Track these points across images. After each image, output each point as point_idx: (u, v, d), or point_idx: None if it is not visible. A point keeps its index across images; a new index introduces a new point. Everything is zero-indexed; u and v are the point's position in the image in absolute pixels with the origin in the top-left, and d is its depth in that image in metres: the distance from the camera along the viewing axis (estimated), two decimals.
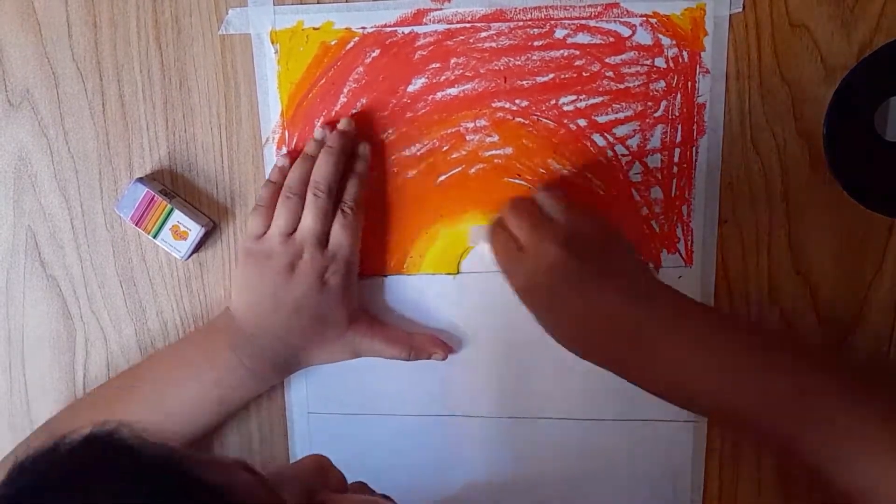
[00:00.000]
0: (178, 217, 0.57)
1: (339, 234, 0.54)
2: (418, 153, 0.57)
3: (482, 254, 0.57)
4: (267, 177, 0.57)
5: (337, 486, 0.41)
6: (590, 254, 0.48)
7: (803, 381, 0.44)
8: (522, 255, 0.49)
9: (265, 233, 0.55)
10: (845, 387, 0.44)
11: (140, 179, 0.57)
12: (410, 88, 0.56)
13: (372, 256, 0.58)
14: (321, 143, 0.55)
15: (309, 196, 0.54)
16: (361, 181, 0.55)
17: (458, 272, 0.58)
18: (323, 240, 0.54)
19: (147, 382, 0.57)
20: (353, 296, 0.56)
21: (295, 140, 0.57)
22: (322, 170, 0.54)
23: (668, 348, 0.46)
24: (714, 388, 0.46)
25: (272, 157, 0.57)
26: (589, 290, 0.47)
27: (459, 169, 0.57)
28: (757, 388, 0.45)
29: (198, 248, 0.58)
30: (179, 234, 0.57)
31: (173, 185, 0.59)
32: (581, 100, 0.55)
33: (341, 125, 0.55)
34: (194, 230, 0.57)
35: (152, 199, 0.56)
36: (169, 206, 0.56)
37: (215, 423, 0.58)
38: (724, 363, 0.46)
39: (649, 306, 0.47)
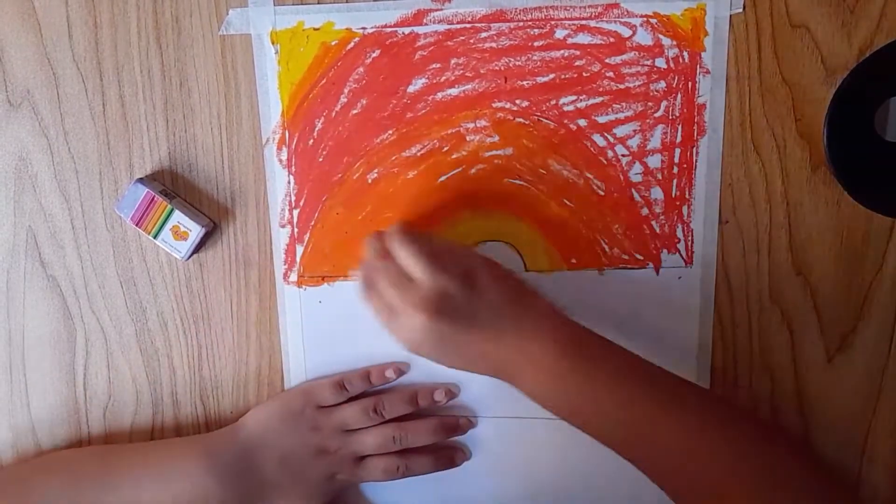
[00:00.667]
0: (179, 217, 0.57)
1: (377, 468, 0.58)
2: (419, 153, 0.57)
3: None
4: (369, 372, 0.59)
5: None
6: (456, 303, 0.49)
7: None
8: (397, 321, 0.50)
9: (327, 407, 0.58)
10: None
11: (140, 180, 0.57)
12: (411, 89, 0.56)
13: None
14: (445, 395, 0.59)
15: (388, 432, 0.58)
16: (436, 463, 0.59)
17: None
18: (362, 456, 0.58)
19: (122, 479, 0.57)
20: (338, 492, 0.60)
21: (295, 140, 0.57)
22: (419, 433, 0.58)
23: (527, 381, 0.50)
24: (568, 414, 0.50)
25: (272, 158, 0.57)
26: (464, 343, 0.50)
27: (460, 169, 0.57)
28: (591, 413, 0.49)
29: (198, 248, 0.58)
30: (180, 235, 0.57)
31: (173, 186, 0.59)
32: (581, 100, 0.55)
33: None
34: (194, 230, 0.57)
35: (152, 199, 0.56)
36: (169, 206, 0.56)
37: None
38: (570, 395, 0.49)
39: (512, 344, 0.49)
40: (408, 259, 0.50)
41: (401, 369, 0.59)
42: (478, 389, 0.60)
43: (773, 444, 0.47)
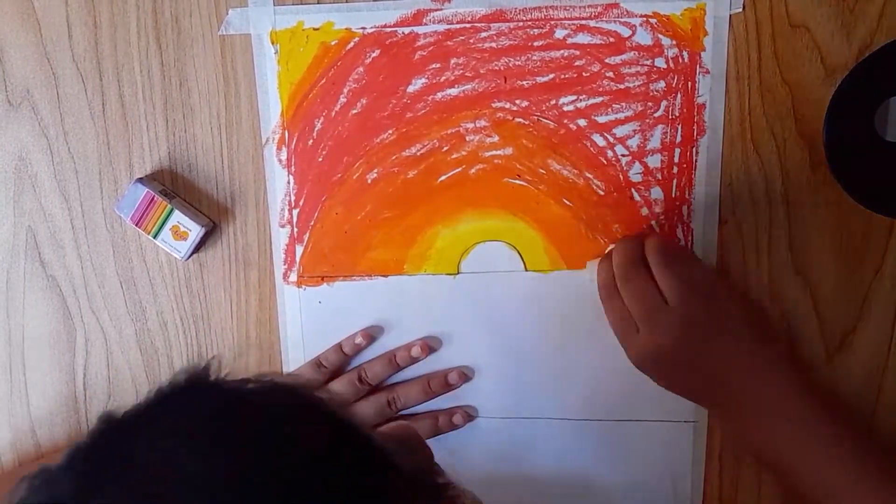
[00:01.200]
0: (178, 217, 0.57)
1: (366, 409, 0.58)
2: (418, 153, 0.57)
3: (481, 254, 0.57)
4: (341, 344, 0.59)
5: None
6: (700, 325, 0.49)
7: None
8: (635, 337, 0.51)
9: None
10: None
11: (140, 180, 0.57)
12: (410, 89, 0.56)
13: (372, 257, 0.58)
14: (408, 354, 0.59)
15: (381, 398, 0.58)
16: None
17: (458, 272, 0.58)
18: None
19: None
20: None
21: (295, 140, 0.57)
22: (410, 392, 0.58)
23: (754, 426, 0.49)
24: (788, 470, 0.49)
25: (272, 157, 0.57)
26: (701, 359, 0.50)
27: (459, 169, 0.57)
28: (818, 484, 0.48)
29: (198, 248, 0.58)
30: (179, 235, 0.57)
31: (173, 186, 0.59)
32: (581, 100, 0.55)
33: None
34: (194, 230, 0.57)
35: (152, 199, 0.56)
36: (169, 206, 0.56)
37: None
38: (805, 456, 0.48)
39: (745, 371, 0.49)
40: (667, 280, 0.50)
41: (370, 335, 0.59)
42: (464, 387, 0.60)
43: None
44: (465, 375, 0.59)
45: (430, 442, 0.59)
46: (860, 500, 0.47)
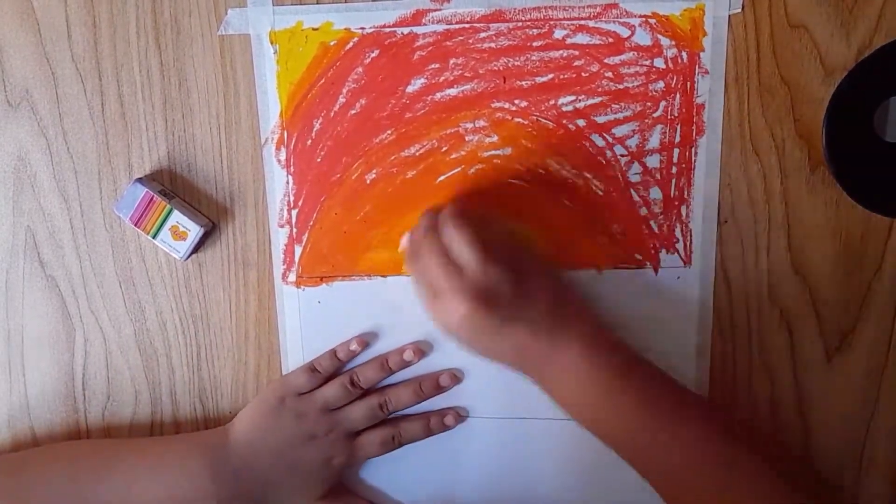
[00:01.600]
0: (178, 217, 0.57)
1: (373, 443, 0.59)
2: (417, 153, 0.57)
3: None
4: (335, 350, 0.59)
5: None
6: (500, 299, 0.49)
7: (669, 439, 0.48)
8: (438, 304, 0.50)
9: (306, 393, 0.58)
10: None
11: (139, 180, 0.57)
12: (409, 89, 0.56)
13: (371, 257, 0.58)
14: (400, 358, 0.59)
15: (372, 401, 0.58)
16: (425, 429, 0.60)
17: None
18: (354, 434, 0.59)
19: (119, 473, 0.57)
20: (337, 477, 0.59)
21: (294, 140, 0.57)
22: (401, 395, 0.59)
23: (553, 383, 0.51)
24: (591, 421, 0.51)
25: (271, 158, 0.57)
26: (498, 336, 0.49)
27: (459, 169, 0.57)
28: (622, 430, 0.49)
29: (197, 248, 0.58)
30: (179, 235, 0.57)
31: (172, 186, 0.59)
32: (580, 100, 0.55)
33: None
34: (193, 230, 0.57)
35: (151, 199, 0.56)
36: (168, 206, 0.56)
37: None
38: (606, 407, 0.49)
39: (545, 344, 0.50)
40: (460, 246, 0.49)
41: (365, 341, 0.59)
42: (464, 388, 0.60)
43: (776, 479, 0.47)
44: (456, 377, 0.60)
45: (427, 442, 0.60)
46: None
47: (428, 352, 0.60)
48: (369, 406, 0.58)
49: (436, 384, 0.59)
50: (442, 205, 0.54)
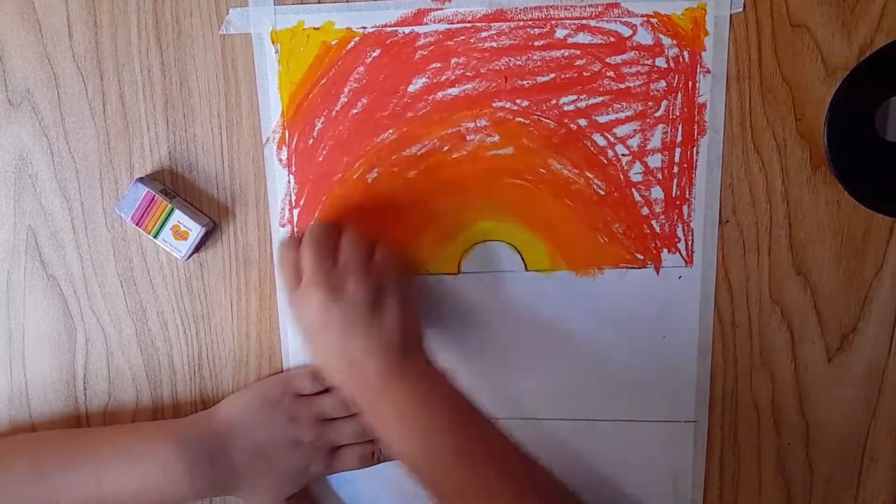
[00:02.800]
0: (179, 217, 0.57)
1: (353, 457, 0.58)
2: (419, 153, 0.57)
3: (481, 254, 0.57)
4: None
5: None
6: (356, 309, 0.50)
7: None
8: (297, 291, 0.52)
9: (307, 396, 0.58)
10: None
11: (140, 179, 0.57)
12: (411, 88, 0.56)
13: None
14: None
15: (365, 423, 0.57)
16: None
17: (458, 272, 0.58)
18: (336, 446, 0.58)
19: (88, 464, 0.56)
20: (308, 482, 0.59)
21: (295, 140, 0.57)
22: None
23: (379, 417, 0.51)
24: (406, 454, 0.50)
25: (272, 157, 0.57)
26: (341, 341, 0.51)
27: (460, 169, 0.57)
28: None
29: (198, 248, 0.58)
30: (180, 234, 0.57)
31: (174, 185, 0.59)
32: (582, 99, 0.55)
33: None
34: (195, 230, 0.57)
35: (153, 199, 0.56)
36: (169, 206, 0.56)
37: None
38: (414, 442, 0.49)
39: (387, 378, 0.50)
40: (351, 248, 0.52)
41: None
42: (464, 387, 0.60)
43: None
44: None
45: None
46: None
47: None
48: (361, 425, 0.58)
49: None
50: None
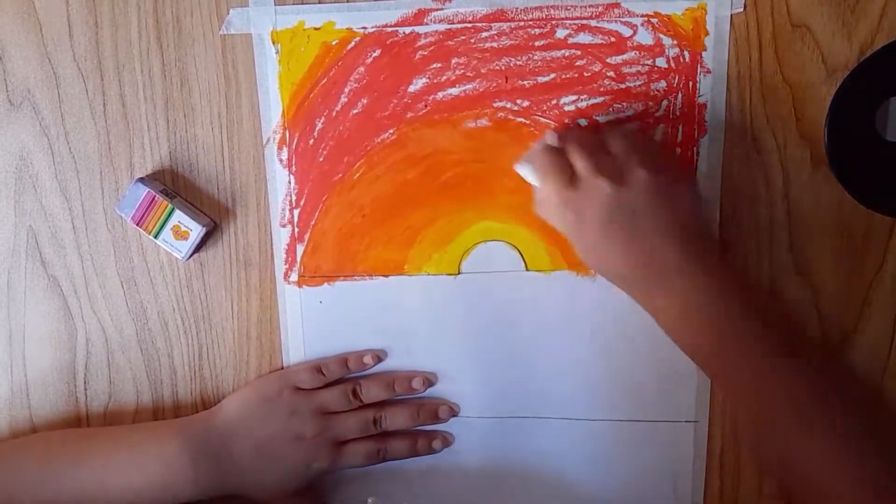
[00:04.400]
0: (179, 217, 0.57)
1: (358, 454, 0.58)
2: (419, 153, 0.57)
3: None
4: (347, 358, 0.59)
5: None
6: (647, 195, 0.48)
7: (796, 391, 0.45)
8: (575, 188, 0.49)
9: (307, 390, 0.58)
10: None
11: (141, 179, 0.57)
12: (411, 88, 0.56)
13: (372, 257, 0.58)
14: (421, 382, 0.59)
15: (368, 414, 0.58)
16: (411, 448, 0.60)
17: (458, 272, 0.58)
18: (340, 442, 0.58)
19: (95, 461, 0.56)
20: (313, 479, 0.59)
21: (296, 140, 0.57)
22: (398, 416, 0.58)
23: (667, 308, 0.49)
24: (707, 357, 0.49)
25: (273, 157, 0.57)
26: (630, 234, 0.48)
27: (460, 169, 0.57)
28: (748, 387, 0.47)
29: (199, 248, 0.58)
30: (180, 234, 0.57)
31: (174, 185, 0.59)
32: (582, 100, 0.55)
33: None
34: (195, 230, 0.57)
35: (153, 199, 0.56)
36: (170, 206, 0.56)
37: None
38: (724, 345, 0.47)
39: (690, 259, 0.48)
40: (619, 139, 0.50)
41: (378, 356, 0.59)
42: (464, 387, 0.60)
43: None
44: (454, 411, 0.60)
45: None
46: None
47: (434, 382, 0.60)
48: (364, 419, 0.58)
49: (433, 414, 0.59)
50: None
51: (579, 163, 0.50)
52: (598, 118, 0.55)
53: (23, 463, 0.56)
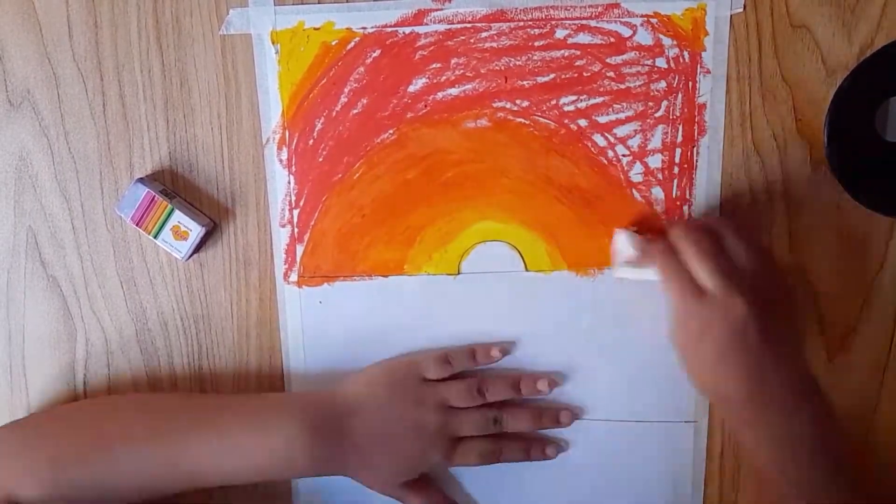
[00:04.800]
0: (179, 217, 0.57)
1: (473, 452, 0.57)
2: (419, 153, 0.57)
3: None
4: (475, 350, 0.58)
5: None
6: (775, 321, 0.48)
7: None
8: (704, 301, 0.48)
9: (433, 381, 0.57)
10: None
11: (141, 180, 0.57)
12: (411, 88, 0.56)
13: (372, 257, 0.58)
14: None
15: (489, 414, 0.57)
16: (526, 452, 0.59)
17: (458, 273, 0.58)
18: (457, 438, 0.57)
19: (211, 428, 0.54)
20: (425, 471, 0.58)
21: (295, 140, 0.57)
22: (520, 418, 0.58)
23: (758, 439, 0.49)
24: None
25: (273, 157, 0.57)
26: (753, 357, 0.47)
27: (460, 169, 0.57)
28: None
29: (198, 248, 0.58)
30: (180, 235, 0.57)
31: (174, 186, 0.59)
32: (582, 100, 0.55)
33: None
34: (195, 230, 0.57)
35: (153, 199, 0.56)
36: (169, 206, 0.56)
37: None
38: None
39: (805, 396, 0.48)
40: (738, 245, 0.49)
41: (506, 349, 0.58)
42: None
43: None
44: (576, 416, 0.59)
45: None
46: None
47: (560, 384, 0.59)
48: (485, 417, 0.57)
49: (554, 419, 0.59)
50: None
51: (710, 278, 0.48)
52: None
53: (130, 431, 0.54)
